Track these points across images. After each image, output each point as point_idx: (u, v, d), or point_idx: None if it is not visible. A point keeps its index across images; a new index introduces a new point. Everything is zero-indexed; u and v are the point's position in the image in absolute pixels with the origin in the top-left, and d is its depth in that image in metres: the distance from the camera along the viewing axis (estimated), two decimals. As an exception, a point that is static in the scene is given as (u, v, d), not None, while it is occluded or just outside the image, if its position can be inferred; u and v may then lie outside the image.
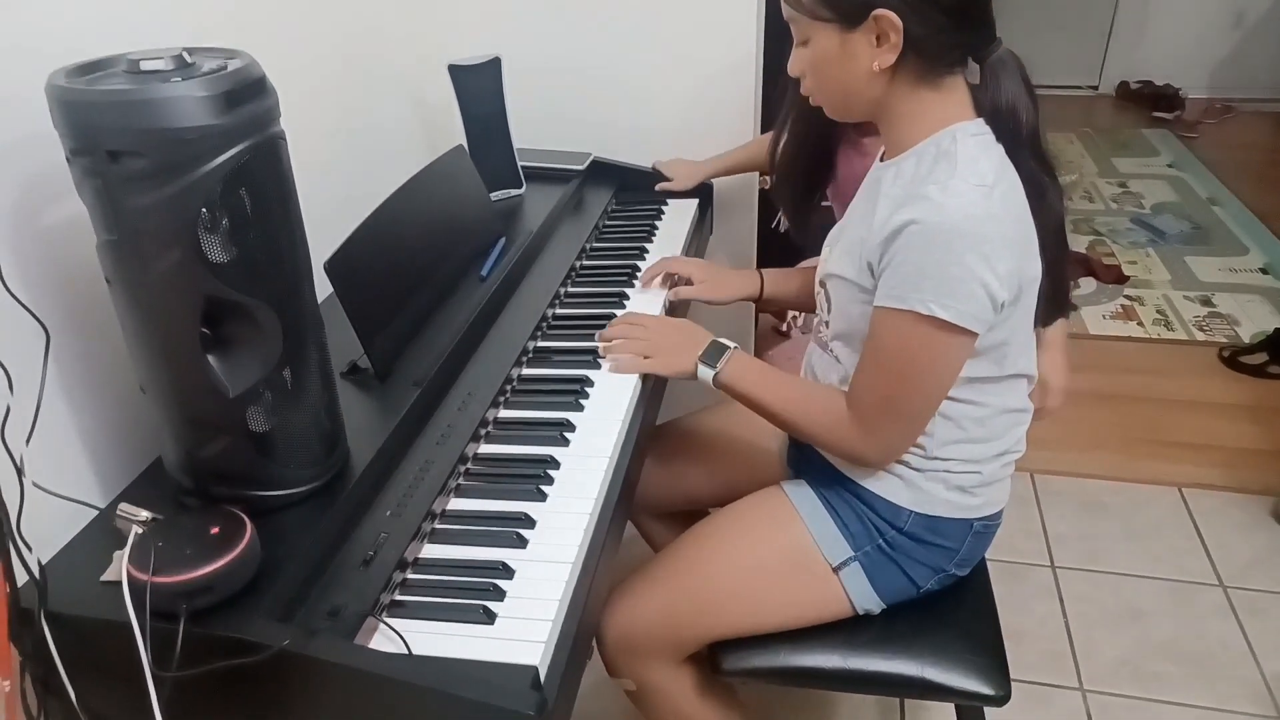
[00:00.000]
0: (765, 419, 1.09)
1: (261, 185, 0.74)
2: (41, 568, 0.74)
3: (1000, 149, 0.96)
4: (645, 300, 1.32)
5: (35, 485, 0.73)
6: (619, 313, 1.26)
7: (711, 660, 1.12)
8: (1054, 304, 1.05)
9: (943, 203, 0.89)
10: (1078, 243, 3.14)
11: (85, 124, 0.68)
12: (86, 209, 0.72)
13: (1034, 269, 0.97)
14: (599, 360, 1.15)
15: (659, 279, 1.34)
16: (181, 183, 0.69)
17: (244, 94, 0.71)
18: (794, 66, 1.01)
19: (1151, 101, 4.32)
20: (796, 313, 2.37)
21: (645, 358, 1.13)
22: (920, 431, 1.00)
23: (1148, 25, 4.39)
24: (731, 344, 1.10)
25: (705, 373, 1.09)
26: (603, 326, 1.23)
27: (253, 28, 1.11)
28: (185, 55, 0.72)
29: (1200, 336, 2.62)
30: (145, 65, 0.70)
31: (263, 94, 0.73)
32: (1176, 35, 4.34)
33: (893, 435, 1.00)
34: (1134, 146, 3.99)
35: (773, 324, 2.44)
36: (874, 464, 1.05)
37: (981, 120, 0.97)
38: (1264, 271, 2.95)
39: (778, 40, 1.01)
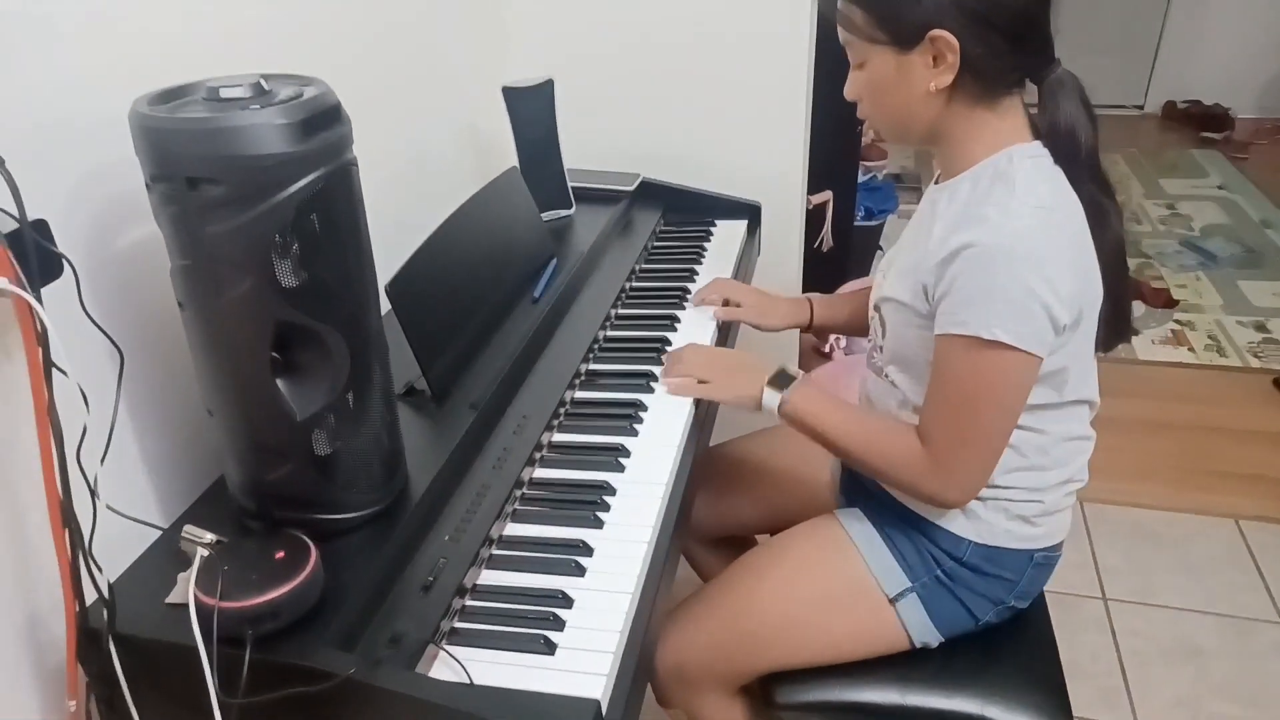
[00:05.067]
0: (832, 452, 1.06)
1: (334, 211, 0.74)
2: (110, 588, 0.74)
3: (1059, 171, 0.94)
4: (696, 322, 1.30)
5: (108, 508, 0.73)
6: (669, 335, 1.25)
7: (764, 693, 1.10)
8: (1115, 329, 1.02)
9: (1002, 224, 0.88)
10: (1125, 265, 3.08)
11: (166, 151, 0.68)
12: (162, 234, 0.73)
13: (1094, 292, 0.95)
14: (651, 385, 1.14)
15: (712, 300, 1.32)
16: (257, 210, 0.69)
17: (320, 121, 0.71)
18: (850, 90, 1.00)
19: (1199, 122, 4.26)
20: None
21: (701, 382, 1.11)
22: (995, 463, 0.97)
23: (1196, 45, 4.32)
24: (798, 371, 1.08)
25: (771, 399, 1.06)
26: (654, 349, 1.22)
27: (313, 53, 1.12)
28: (263, 83, 0.72)
29: (1254, 363, 2.56)
30: (225, 93, 0.71)
31: (338, 121, 0.73)
32: (1225, 55, 4.28)
33: (971, 470, 0.97)
34: (1182, 167, 3.93)
35: (814, 344, 2.42)
36: (954, 504, 1.01)
37: (1039, 143, 0.95)
38: (1322, 297, 2.87)
39: (833, 62, 0.99)
